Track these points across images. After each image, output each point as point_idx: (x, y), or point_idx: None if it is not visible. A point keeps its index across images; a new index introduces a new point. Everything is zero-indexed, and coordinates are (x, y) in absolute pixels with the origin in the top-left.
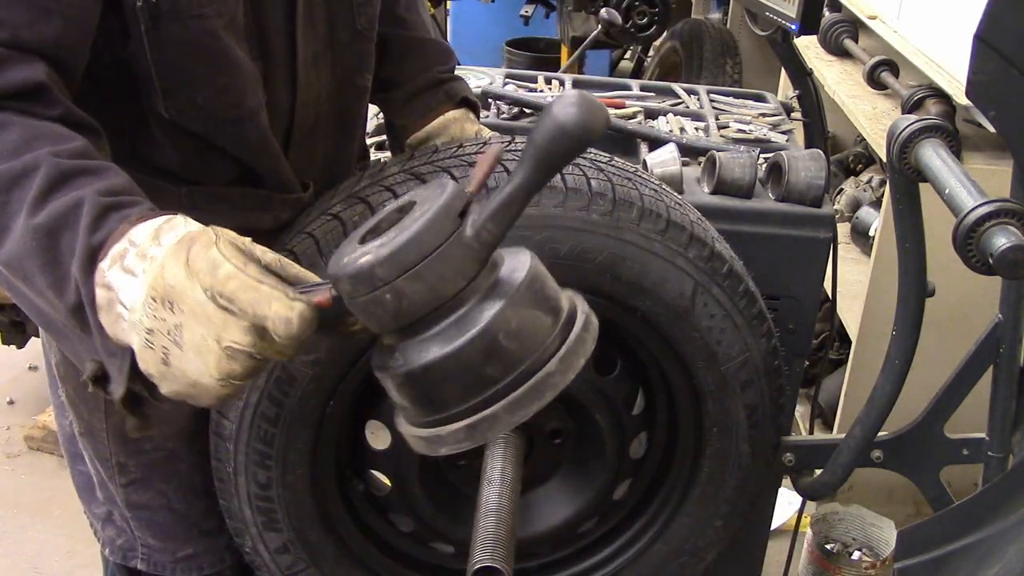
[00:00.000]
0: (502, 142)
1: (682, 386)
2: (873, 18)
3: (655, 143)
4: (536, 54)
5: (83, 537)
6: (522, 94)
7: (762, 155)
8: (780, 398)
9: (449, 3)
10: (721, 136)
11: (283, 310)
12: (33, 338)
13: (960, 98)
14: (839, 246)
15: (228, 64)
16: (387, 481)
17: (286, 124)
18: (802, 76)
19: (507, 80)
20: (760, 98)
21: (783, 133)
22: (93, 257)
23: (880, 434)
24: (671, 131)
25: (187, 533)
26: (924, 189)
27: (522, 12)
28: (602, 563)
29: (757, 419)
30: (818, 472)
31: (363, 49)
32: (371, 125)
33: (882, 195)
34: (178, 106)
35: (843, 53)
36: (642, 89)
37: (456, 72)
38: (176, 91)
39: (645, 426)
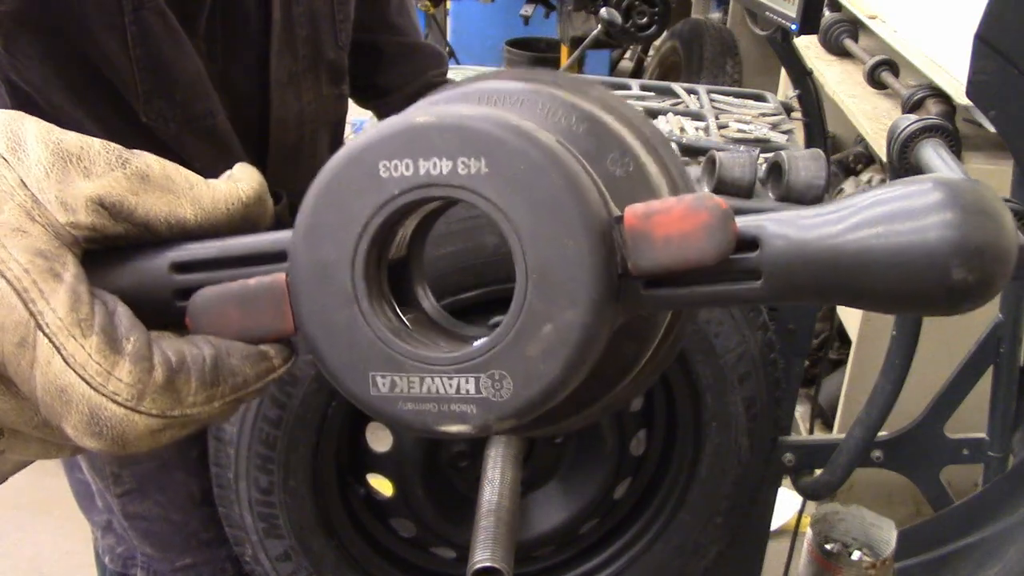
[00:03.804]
0: None
1: (680, 380)
2: (873, 18)
3: None
4: (536, 54)
5: (83, 537)
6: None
7: (762, 155)
8: (776, 391)
9: (449, 3)
10: (721, 136)
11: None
12: None
13: (960, 98)
14: None
15: (177, 58)
16: (388, 486)
17: (259, 140)
18: (802, 76)
19: None
20: (760, 98)
21: (783, 133)
22: None
23: (880, 434)
24: (671, 131)
25: (185, 543)
26: None
27: (522, 12)
28: (604, 564)
29: (755, 413)
30: (818, 472)
31: (344, 63)
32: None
33: None
34: (153, 109)
35: (843, 53)
36: (642, 89)
37: (449, 75)
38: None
39: (644, 423)
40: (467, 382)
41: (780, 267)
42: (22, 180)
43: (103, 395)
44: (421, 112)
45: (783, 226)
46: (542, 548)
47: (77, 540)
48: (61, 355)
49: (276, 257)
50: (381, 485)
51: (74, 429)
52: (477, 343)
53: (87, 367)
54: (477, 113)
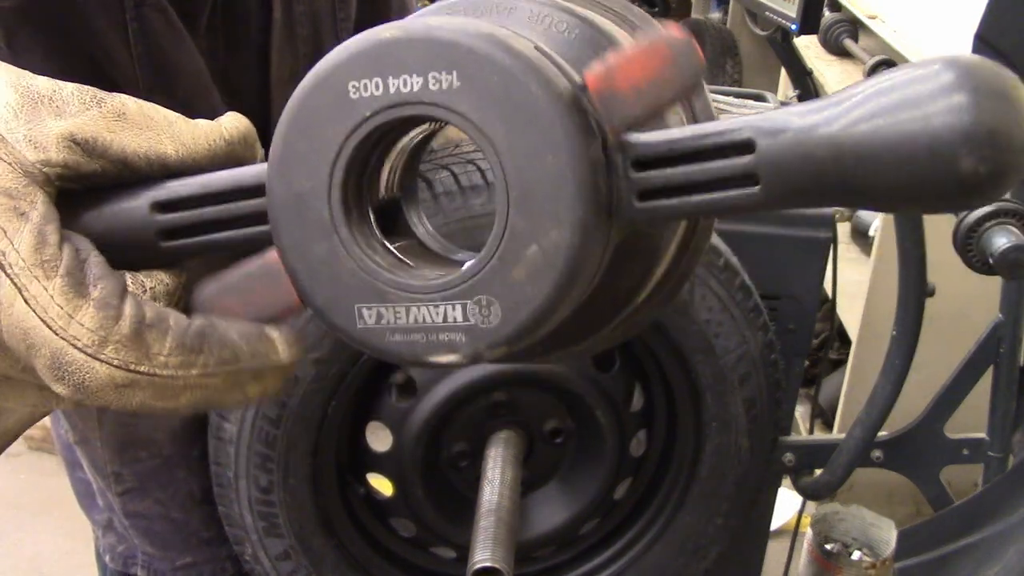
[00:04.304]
0: None
1: (681, 381)
2: (873, 18)
3: None
4: None
5: (83, 537)
6: None
7: None
8: (777, 392)
9: None
10: None
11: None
12: None
13: None
14: (839, 246)
15: (178, 56)
16: (388, 485)
17: (261, 140)
18: (802, 76)
19: None
20: (760, 98)
21: None
22: None
23: (880, 434)
24: None
25: (186, 542)
26: None
27: None
28: (604, 564)
29: (755, 413)
30: (818, 472)
31: None
32: None
33: None
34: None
35: (843, 53)
36: None
37: None
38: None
39: (644, 423)
40: (454, 309)
41: (778, 168)
42: None
43: (63, 339)
44: (389, 27)
45: (778, 124)
46: (542, 548)
47: (77, 540)
48: (23, 296)
49: (260, 190)
50: (381, 485)
51: (41, 373)
52: (463, 268)
53: (48, 309)
54: (447, 24)
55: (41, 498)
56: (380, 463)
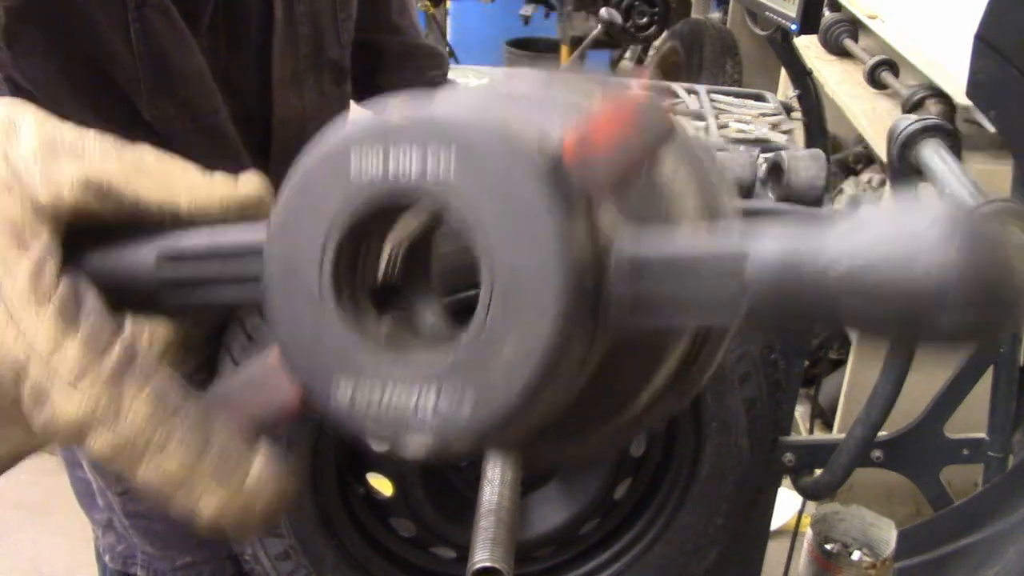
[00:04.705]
0: None
1: None
2: (873, 18)
3: None
4: (536, 54)
5: (83, 537)
6: None
7: (762, 155)
8: (777, 392)
9: (449, 3)
10: (721, 136)
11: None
12: None
13: (960, 98)
14: None
15: (180, 56)
16: (388, 485)
17: (261, 140)
18: (802, 76)
19: None
20: (760, 98)
21: (783, 133)
22: None
23: (880, 434)
24: None
25: (185, 542)
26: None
27: (522, 12)
28: (604, 565)
29: (755, 413)
30: (818, 472)
31: (347, 62)
32: None
33: (882, 195)
34: (156, 107)
35: (843, 53)
36: None
37: (449, 76)
38: (149, 81)
39: None
40: (427, 395)
41: (761, 294)
42: (7, 154)
43: (46, 368)
44: (399, 104)
45: (768, 250)
46: (542, 548)
47: (77, 540)
48: (13, 324)
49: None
50: (381, 484)
51: (24, 404)
52: (441, 354)
53: (36, 338)
54: (453, 108)
55: (41, 498)
56: (380, 463)
